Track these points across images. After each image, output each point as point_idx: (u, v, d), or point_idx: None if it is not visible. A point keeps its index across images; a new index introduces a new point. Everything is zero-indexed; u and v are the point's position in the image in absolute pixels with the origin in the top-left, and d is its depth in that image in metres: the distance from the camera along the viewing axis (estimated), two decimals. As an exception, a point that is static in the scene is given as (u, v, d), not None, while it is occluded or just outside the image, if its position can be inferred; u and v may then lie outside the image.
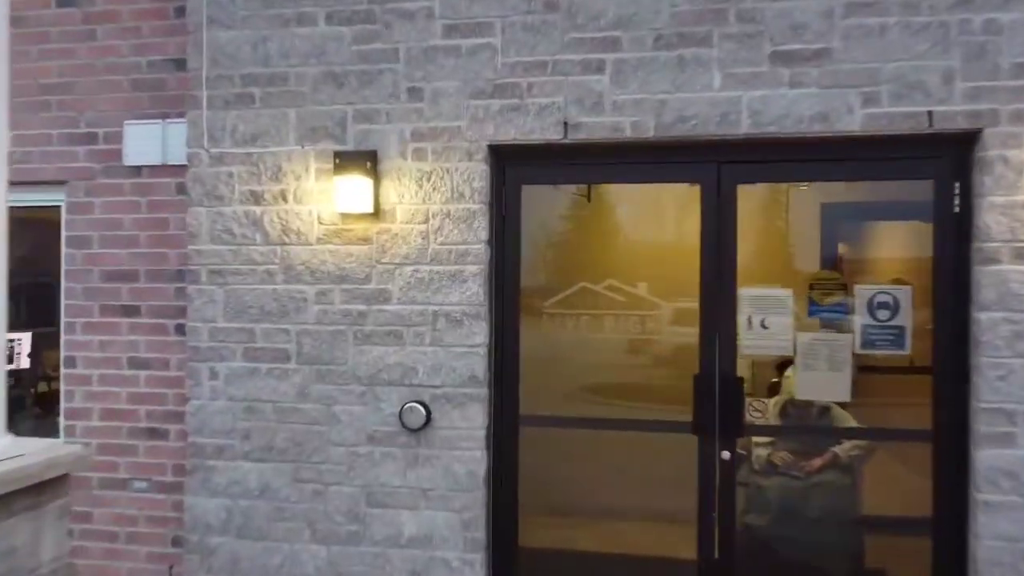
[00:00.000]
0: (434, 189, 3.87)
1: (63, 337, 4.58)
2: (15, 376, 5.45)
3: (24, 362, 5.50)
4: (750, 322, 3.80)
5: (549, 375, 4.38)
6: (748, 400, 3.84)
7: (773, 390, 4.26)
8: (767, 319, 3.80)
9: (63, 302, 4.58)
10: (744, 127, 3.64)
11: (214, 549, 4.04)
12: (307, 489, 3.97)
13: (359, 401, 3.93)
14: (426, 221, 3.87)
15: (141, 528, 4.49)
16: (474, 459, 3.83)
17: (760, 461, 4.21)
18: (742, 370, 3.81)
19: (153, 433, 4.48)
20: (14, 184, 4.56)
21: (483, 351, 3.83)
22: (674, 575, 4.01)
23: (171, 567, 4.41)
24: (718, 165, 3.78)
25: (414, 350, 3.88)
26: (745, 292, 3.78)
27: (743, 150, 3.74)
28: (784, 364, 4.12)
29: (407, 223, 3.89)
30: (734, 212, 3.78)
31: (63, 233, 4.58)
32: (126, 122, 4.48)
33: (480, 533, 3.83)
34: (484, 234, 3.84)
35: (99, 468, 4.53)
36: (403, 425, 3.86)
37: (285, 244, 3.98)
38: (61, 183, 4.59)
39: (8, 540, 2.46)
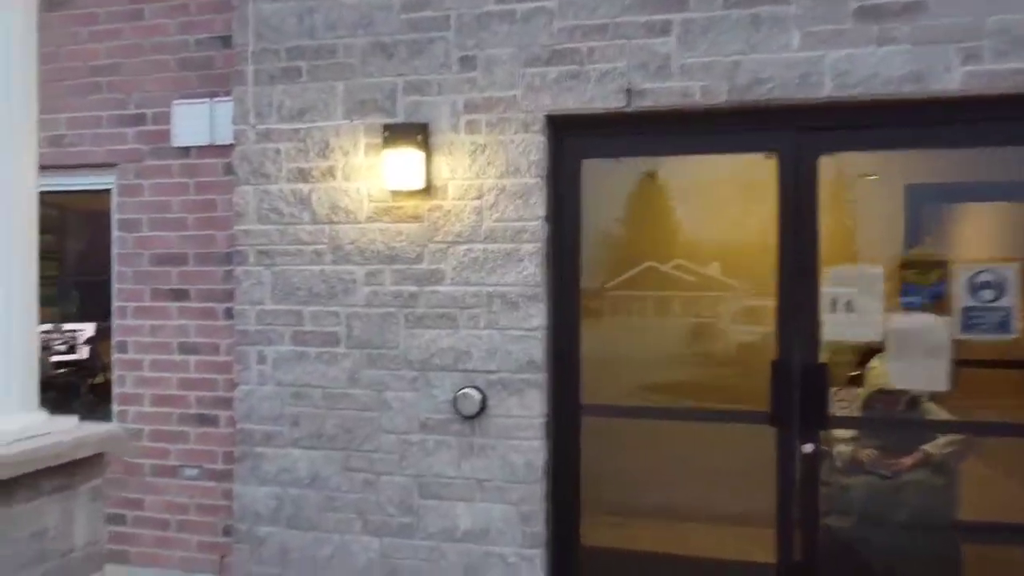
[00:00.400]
0: (488, 163, 3.64)
1: (115, 322, 4.51)
2: (75, 366, 5.46)
3: (84, 352, 5.50)
4: (834, 304, 3.46)
5: (612, 362, 4.12)
6: (833, 389, 3.50)
7: (854, 381, 3.92)
8: (854, 301, 3.46)
9: (115, 287, 4.51)
10: (826, 90, 3.32)
11: (264, 539, 3.90)
12: (358, 478, 3.79)
13: (411, 387, 3.73)
14: (480, 197, 3.65)
15: (192, 516, 4.39)
16: (532, 449, 3.59)
17: (843, 458, 3.88)
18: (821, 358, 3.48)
19: (203, 419, 4.38)
20: (67, 168, 4.57)
21: (541, 335, 3.59)
22: (748, 579, 3.71)
23: (223, 557, 4.30)
24: (797, 132, 3.46)
25: (468, 333, 3.66)
26: (829, 272, 3.44)
27: (825, 115, 3.42)
28: (868, 353, 3.78)
29: (460, 199, 3.67)
30: (815, 184, 3.45)
31: (114, 217, 4.51)
32: (174, 102, 4.38)
33: (539, 527, 3.59)
34: (541, 210, 3.59)
35: (151, 455, 4.44)
36: (457, 412, 3.65)
37: (333, 223, 3.81)
38: (111, 166, 4.51)
39: (37, 521, 2.32)
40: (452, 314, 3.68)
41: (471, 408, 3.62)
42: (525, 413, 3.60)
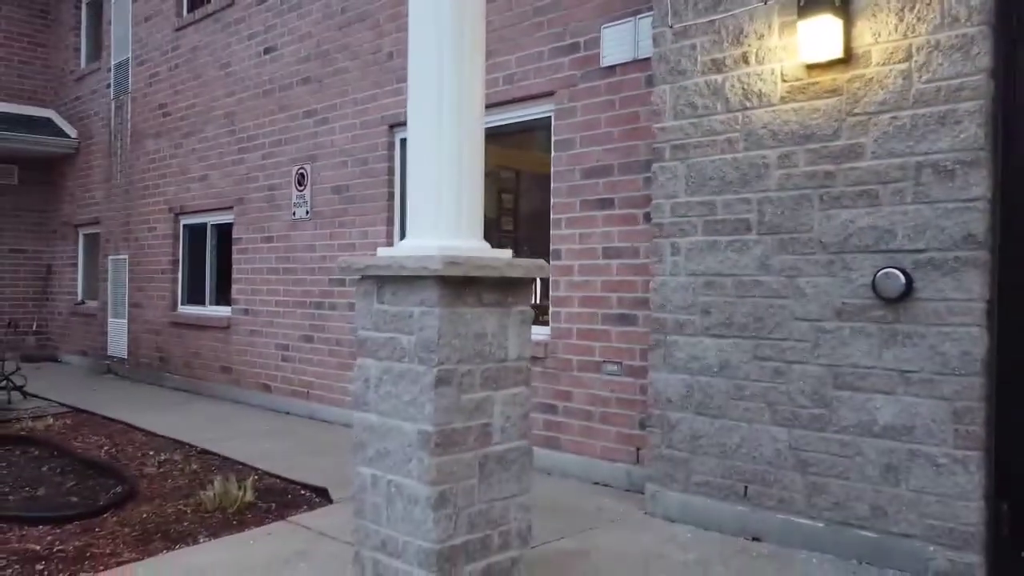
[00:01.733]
0: (918, 19, 3.28)
1: (551, 232, 5.07)
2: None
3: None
4: None
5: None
6: None
7: None
8: None
9: (552, 201, 5.08)
10: None
11: (675, 424, 4.04)
12: (767, 367, 3.71)
13: (825, 271, 3.54)
14: (908, 59, 3.30)
15: (612, 409, 4.74)
16: (969, 337, 3.14)
17: None
18: None
19: (623, 319, 4.69)
20: (517, 101, 5.28)
21: (983, 205, 3.12)
22: None
23: (638, 449, 4.55)
24: None
25: (891, 210, 3.34)
26: None
27: None
28: None
29: (883, 64, 3.37)
30: None
31: (552, 139, 5.08)
32: (603, 26, 4.77)
33: (976, 427, 3.12)
34: (985, 61, 3.12)
35: (578, 351, 4.91)
36: (877, 296, 3.36)
37: (746, 109, 3.79)
38: (550, 94, 5.09)
39: (479, 325, 2.76)
40: (873, 191, 3.39)
41: (894, 290, 3.29)
42: (961, 296, 3.16)
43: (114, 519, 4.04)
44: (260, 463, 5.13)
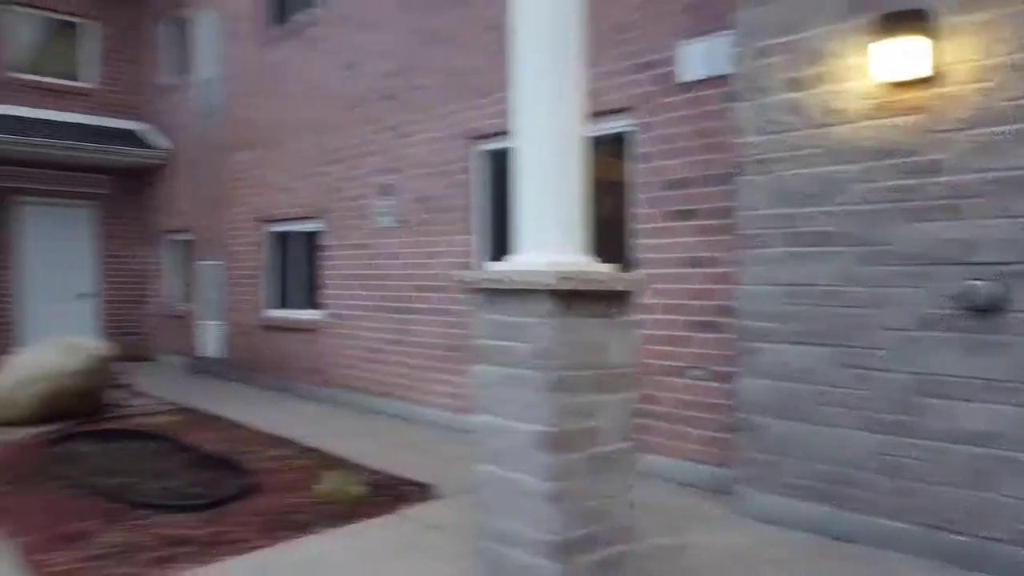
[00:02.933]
0: (996, 40, 3.43)
1: (634, 241, 5.31)
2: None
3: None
4: None
5: None
6: None
7: None
8: None
9: (633, 211, 5.31)
10: None
11: (761, 428, 4.24)
12: (852, 374, 3.89)
13: (909, 282, 3.70)
14: (987, 78, 3.45)
15: (697, 412, 4.95)
16: (1054, 345, 3.28)
17: None
18: None
19: (705, 326, 4.90)
20: (598, 115, 5.51)
21: (1065, 219, 3.26)
22: None
23: (723, 451, 4.75)
24: None
25: (974, 223, 3.49)
26: None
27: None
28: None
29: (963, 84, 3.52)
30: None
31: (632, 152, 5.32)
32: (679, 44, 4.99)
33: (1062, 432, 3.27)
34: (1066, 81, 3.26)
35: (662, 356, 5.13)
36: (963, 307, 3.51)
37: (826, 126, 3.97)
38: (627, 110, 5.32)
39: (588, 333, 3.03)
40: (954, 205, 3.55)
41: (981, 302, 3.45)
42: (1045, 306, 3.30)
43: (239, 508, 4.44)
44: (361, 459, 5.51)
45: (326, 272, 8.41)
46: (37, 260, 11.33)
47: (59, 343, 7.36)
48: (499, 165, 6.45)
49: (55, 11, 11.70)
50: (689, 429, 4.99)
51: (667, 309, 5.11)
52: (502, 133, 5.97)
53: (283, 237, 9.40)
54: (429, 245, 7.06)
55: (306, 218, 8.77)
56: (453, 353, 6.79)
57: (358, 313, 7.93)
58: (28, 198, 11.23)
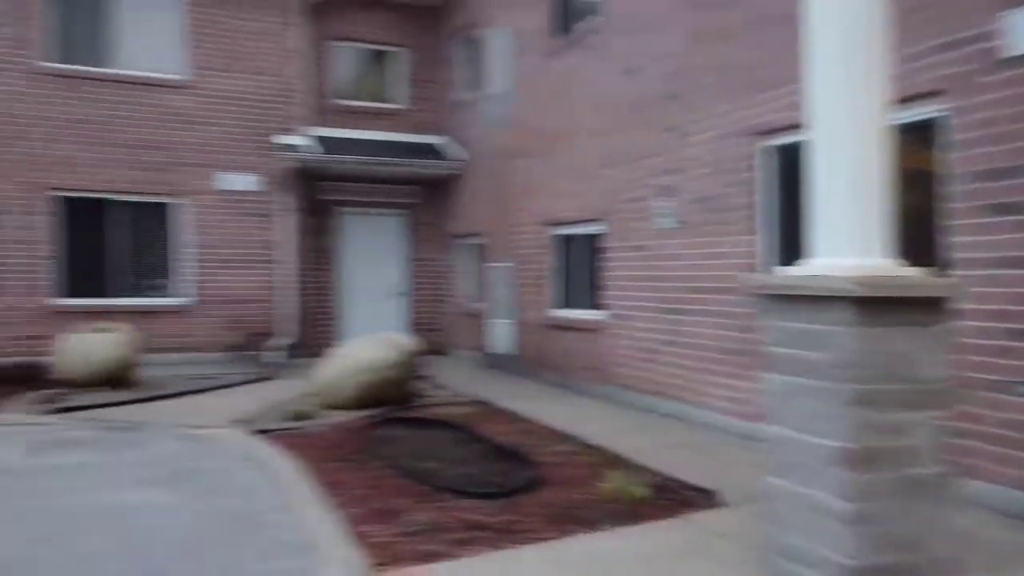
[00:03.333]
0: None
1: (944, 239, 4.77)
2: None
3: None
4: None
5: None
6: None
7: None
8: None
9: (942, 207, 4.77)
10: None
11: (1109, 455, 3.61)
12: None
13: None
14: None
15: None
16: None
17: None
18: None
19: (1035, 334, 4.27)
20: (896, 103, 5.03)
21: None
22: None
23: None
24: None
25: None
26: None
27: None
28: None
29: None
30: None
31: (942, 140, 4.77)
32: (1002, 13, 4.38)
33: None
34: None
35: (982, 369, 4.53)
36: None
37: None
38: (936, 93, 4.78)
39: (893, 344, 2.80)
40: None
41: None
42: None
43: (528, 500, 4.71)
44: (640, 458, 5.56)
45: (607, 273, 8.60)
46: (355, 263, 12.94)
47: (378, 339, 8.35)
48: (788, 161, 6.14)
49: (371, 43, 13.25)
50: (1017, 452, 4.37)
51: (983, 315, 4.52)
52: (793, 127, 5.67)
53: (566, 239, 9.77)
54: (709, 246, 6.92)
55: (588, 220, 9.04)
56: (730, 356, 6.60)
57: (636, 314, 8.01)
58: (347, 208, 12.85)
